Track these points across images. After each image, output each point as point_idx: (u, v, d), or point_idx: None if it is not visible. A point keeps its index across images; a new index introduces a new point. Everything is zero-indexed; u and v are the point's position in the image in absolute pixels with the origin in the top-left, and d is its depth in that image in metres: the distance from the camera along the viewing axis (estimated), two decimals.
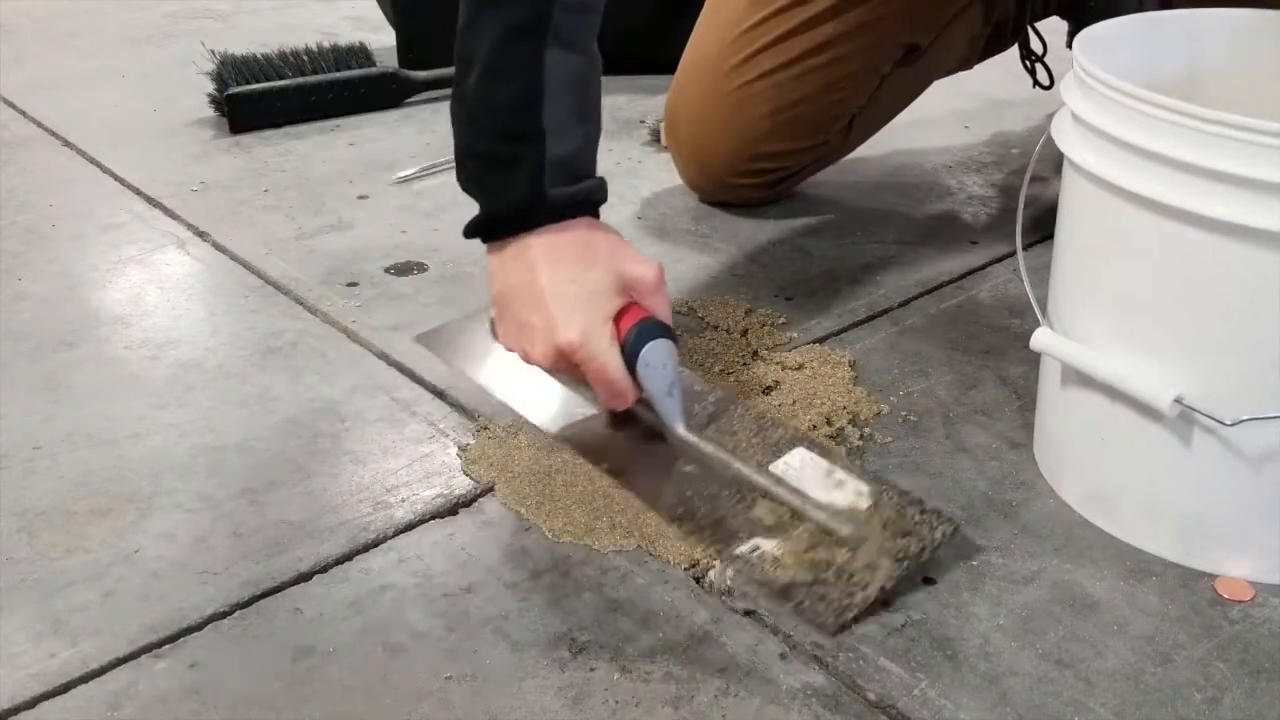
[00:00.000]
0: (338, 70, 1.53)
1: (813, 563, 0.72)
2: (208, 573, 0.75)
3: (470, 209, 0.83)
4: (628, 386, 0.79)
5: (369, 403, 0.93)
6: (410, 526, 0.79)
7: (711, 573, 0.75)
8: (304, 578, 0.75)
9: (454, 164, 0.83)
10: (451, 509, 0.81)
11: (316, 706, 0.66)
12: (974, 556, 0.76)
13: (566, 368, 0.80)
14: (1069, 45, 1.46)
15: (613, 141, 1.42)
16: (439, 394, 0.94)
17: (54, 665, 0.68)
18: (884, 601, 0.72)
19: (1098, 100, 0.71)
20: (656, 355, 0.78)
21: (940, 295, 1.07)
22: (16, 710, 0.66)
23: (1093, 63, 0.71)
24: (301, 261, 1.15)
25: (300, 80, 1.49)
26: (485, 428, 0.89)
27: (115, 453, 0.87)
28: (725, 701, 0.66)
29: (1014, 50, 1.35)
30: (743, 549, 0.74)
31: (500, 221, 0.82)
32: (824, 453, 0.80)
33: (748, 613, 0.72)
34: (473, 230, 0.83)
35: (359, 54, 1.56)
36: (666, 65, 1.28)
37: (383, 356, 0.99)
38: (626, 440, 0.82)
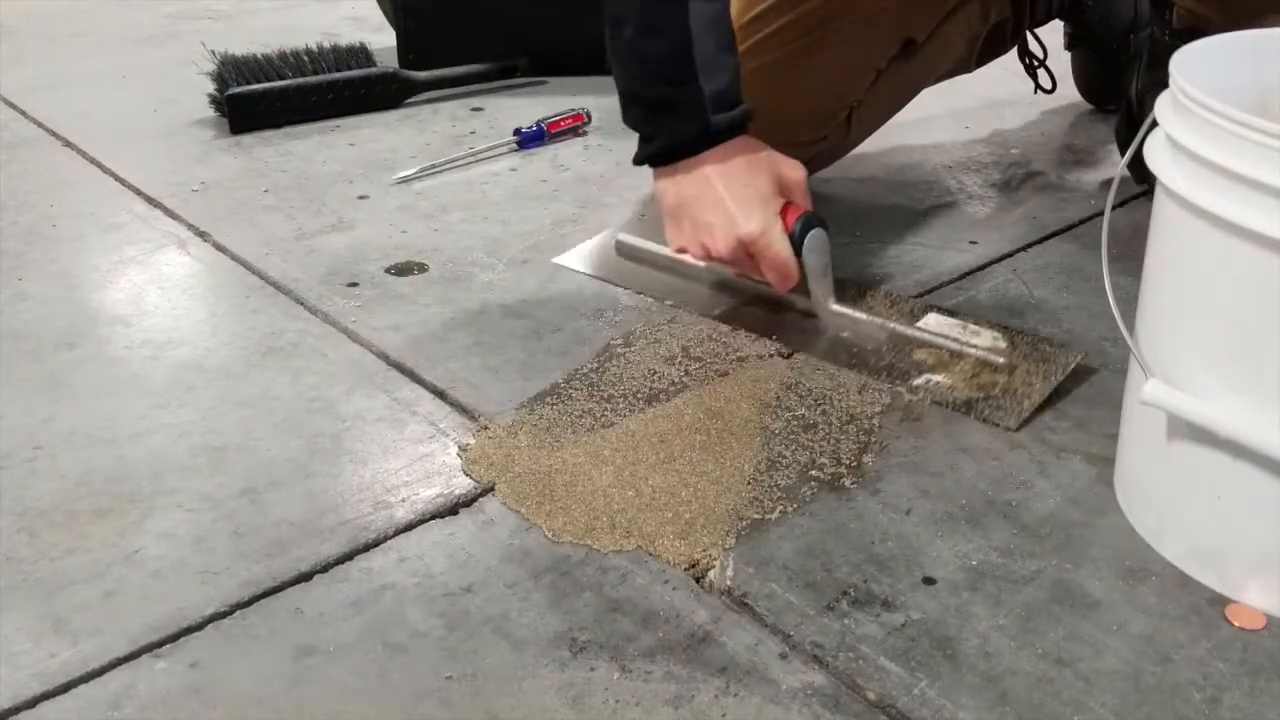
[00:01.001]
0: (338, 70, 1.53)
1: (980, 384, 0.92)
2: (208, 573, 0.75)
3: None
4: (795, 268, 0.98)
5: (369, 403, 0.93)
6: (410, 526, 0.79)
7: (711, 573, 0.75)
8: (304, 578, 0.75)
9: (620, 107, 1.02)
10: (451, 509, 0.81)
11: (316, 706, 0.66)
12: (974, 556, 0.76)
13: (741, 257, 0.98)
14: (1067, 47, 1.46)
15: (612, 141, 1.42)
16: (439, 394, 0.94)
17: (54, 665, 0.68)
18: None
19: (1211, 132, 0.66)
20: (817, 241, 0.98)
21: (940, 295, 1.07)
22: (16, 710, 0.66)
23: (1201, 90, 0.66)
24: (301, 261, 1.15)
25: (300, 80, 1.49)
26: (485, 427, 0.89)
27: (115, 453, 0.87)
28: (725, 701, 0.66)
29: (1014, 50, 1.35)
30: (918, 382, 0.93)
31: (674, 151, 0.99)
32: (953, 314, 1.01)
33: (744, 606, 0.72)
34: (643, 161, 1.01)
35: (359, 54, 1.56)
36: None
37: (383, 356, 0.99)
38: (786, 320, 1.01)
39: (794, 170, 1.00)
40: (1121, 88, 1.30)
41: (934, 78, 1.30)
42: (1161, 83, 1.18)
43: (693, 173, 0.98)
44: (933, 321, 1.00)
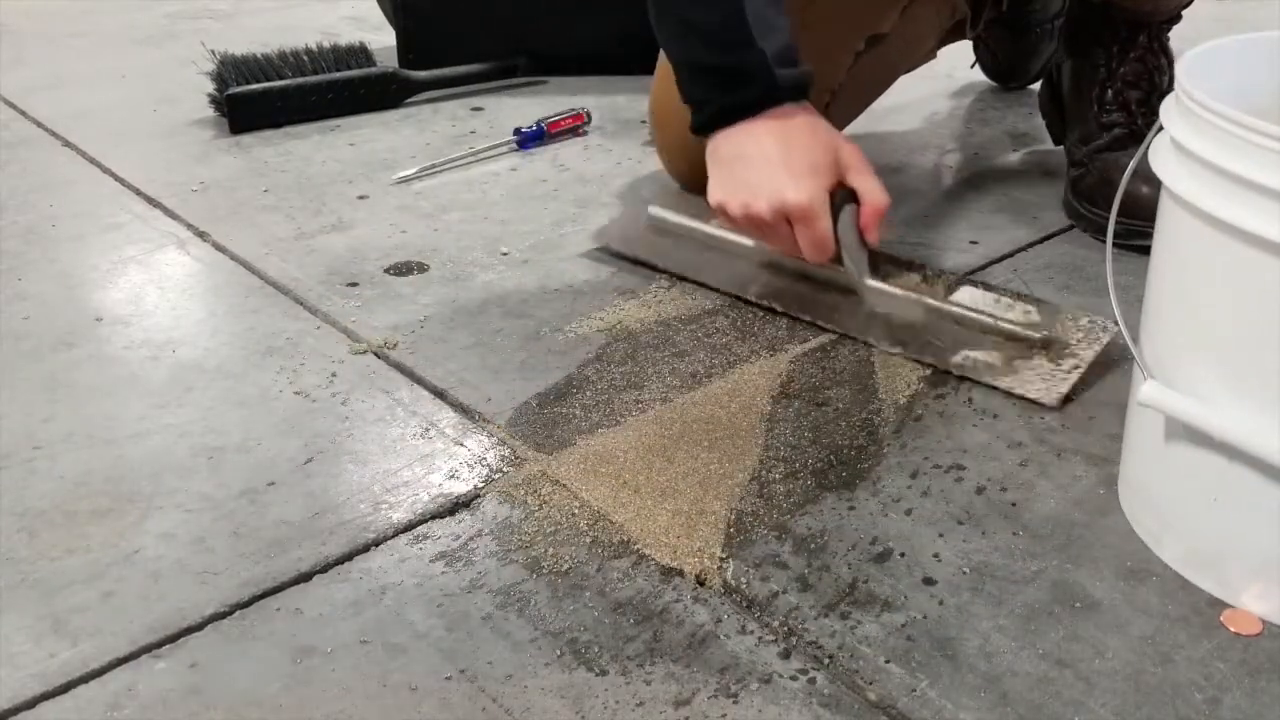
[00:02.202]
0: (338, 70, 1.53)
1: (1017, 360, 0.94)
2: (208, 573, 0.75)
3: None
4: (832, 244, 0.97)
5: (369, 403, 0.93)
6: (410, 526, 0.79)
7: (711, 573, 0.75)
8: (304, 578, 0.75)
9: (678, 82, 1.01)
10: (451, 509, 0.81)
11: (316, 706, 0.66)
12: (974, 557, 0.76)
13: (779, 223, 0.97)
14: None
15: (613, 142, 1.42)
16: (439, 394, 0.94)
17: (54, 665, 0.68)
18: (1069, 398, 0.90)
19: (1216, 135, 0.65)
20: (851, 217, 0.98)
21: None
22: (16, 710, 0.66)
23: (1204, 92, 0.66)
24: (301, 261, 1.15)
25: (300, 80, 1.49)
26: (486, 425, 0.89)
27: (115, 453, 0.87)
28: (725, 701, 0.66)
29: None
30: (956, 359, 0.94)
31: (738, 110, 0.98)
32: (987, 287, 1.02)
33: (749, 608, 0.72)
34: (704, 126, 1.00)
35: (359, 54, 1.56)
36: None
37: (383, 356, 0.99)
38: (820, 298, 1.02)
39: (854, 150, 0.99)
40: (1031, 67, 1.44)
41: (906, 66, 1.31)
42: (1076, 50, 1.26)
43: (751, 133, 0.98)
44: (966, 295, 1.00)
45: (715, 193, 1.01)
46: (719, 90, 0.99)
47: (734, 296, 1.05)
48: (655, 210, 1.15)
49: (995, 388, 0.92)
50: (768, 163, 0.96)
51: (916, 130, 1.43)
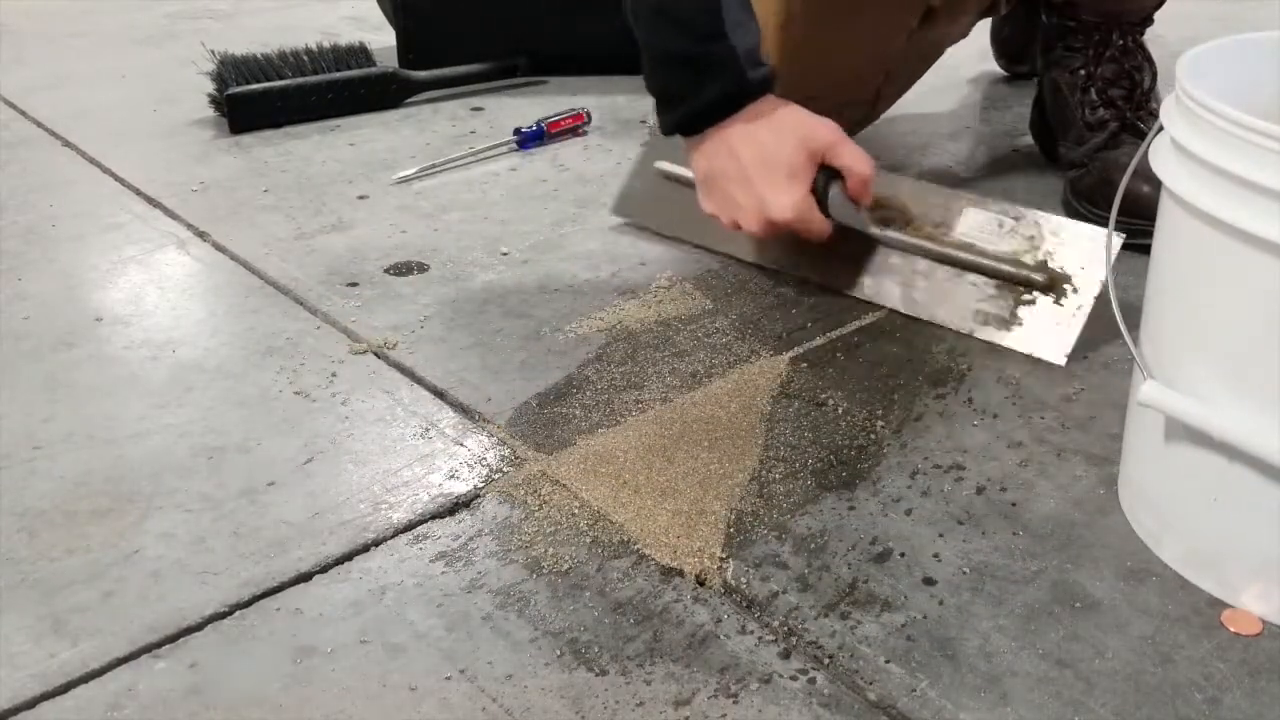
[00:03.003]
0: (338, 70, 1.53)
1: (1023, 306, 0.97)
2: (208, 573, 0.75)
3: None
4: (828, 230, 0.99)
5: (369, 403, 0.93)
6: (410, 526, 0.79)
7: (711, 573, 0.75)
8: (304, 578, 0.75)
9: (645, 70, 0.99)
10: (451, 509, 0.81)
11: (316, 706, 0.66)
12: (974, 557, 0.76)
13: (770, 233, 0.99)
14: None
15: (613, 142, 1.42)
16: (439, 394, 0.94)
17: (54, 665, 0.68)
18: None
19: (1215, 135, 0.65)
20: (842, 192, 0.99)
21: None
22: (16, 710, 0.66)
23: (1204, 92, 0.65)
24: (301, 261, 1.15)
25: (300, 80, 1.49)
26: (486, 425, 0.89)
27: (115, 453, 0.87)
28: (725, 701, 0.66)
29: None
30: (966, 318, 0.99)
31: (708, 113, 0.97)
32: (984, 205, 1.02)
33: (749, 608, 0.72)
34: (674, 127, 0.99)
35: (359, 54, 1.56)
36: None
37: (383, 356, 0.99)
38: (829, 263, 1.05)
39: (828, 131, 0.98)
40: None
41: (949, 43, 1.32)
42: (1054, 62, 1.25)
43: (720, 144, 0.97)
44: (968, 223, 1.01)
45: (705, 205, 1.02)
46: (689, 84, 0.97)
47: (751, 263, 1.09)
48: (663, 165, 1.16)
49: (1001, 363, 0.95)
50: (746, 179, 0.97)
51: (916, 130, 1.43)
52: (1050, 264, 0.98)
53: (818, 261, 1.06)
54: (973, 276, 1.00)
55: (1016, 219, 1.01)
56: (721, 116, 0.97)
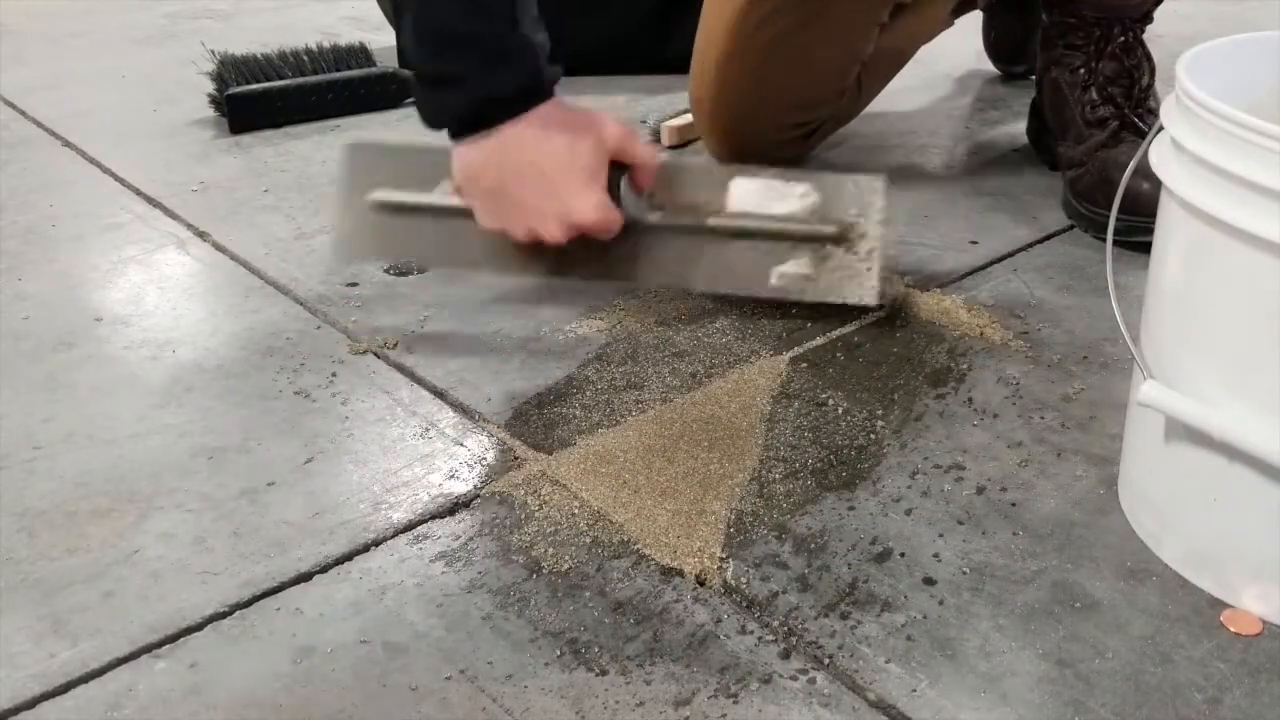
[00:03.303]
0: (338, 70, 1.53)
1: (825, 262, 0.98)
2: (208, 573, 0.75)
3: None
4: (619, 222, 0.95)
5: (369, 403, 0.93)
6: (410, 526, 0.79)
7: (711, 573, 0.75)
8: (304, 578, 0.75)
9: (412, 47, 0.92)
10: (451, 509, 0.81)
11: (316, 706, 0.66)
12: (974, 556, 0.76)
13: (568, 238, 0.93)
14: (984, 7, 1.50)
15: None
16: (439, 394, 0.94)
17: (54, 665, 0.68)
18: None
19: (1215, 135, 0.65)
20: (630, 187, 0.98)
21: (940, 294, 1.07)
22: (16, 710, 0.66)
23: (1204, 92, 0.65)
24: (301, 261, 1.15)
25: (300, 80, 1.49)
26: (486, 425, 0.89)
27: (115, 453, 0.87)
28: (725, 701, 0.66)
29: None
30: (773, 282, 0.99)
31: (509, 101, 0.90)
32: (751, 173, 1.00)
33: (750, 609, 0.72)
34: (454, 119, 0.92)
35: (359, 54, 1.56)
36: (666, 65, 1.28)
37: (383, 357, 0.99)
38: (611, 255, 0.99)
39: (616, 127, 0.94)
40: (1035, 49, 1.38)
41: (925, 37, 1.34)
42: (1054, 61, 1.25)
43: (511, 146, 0.91)
44: (739, 193, 1.00)
45: (488, 220, 0.95)
46: (476, 68, 0.89)
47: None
48: (379, 195, 1.01)
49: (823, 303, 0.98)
50: (548, 183, 0.91)
51: (916, 130, 1.43)
52: (831, 216, 0.99)
53: (602, 261, 1.00)
54: (766, 244, 1.00)
55: (786, 180, 1.00)
56: (519, 110, 0.90)
